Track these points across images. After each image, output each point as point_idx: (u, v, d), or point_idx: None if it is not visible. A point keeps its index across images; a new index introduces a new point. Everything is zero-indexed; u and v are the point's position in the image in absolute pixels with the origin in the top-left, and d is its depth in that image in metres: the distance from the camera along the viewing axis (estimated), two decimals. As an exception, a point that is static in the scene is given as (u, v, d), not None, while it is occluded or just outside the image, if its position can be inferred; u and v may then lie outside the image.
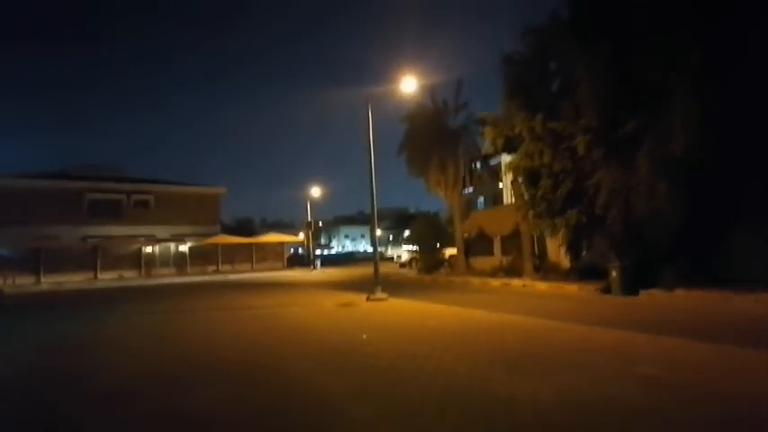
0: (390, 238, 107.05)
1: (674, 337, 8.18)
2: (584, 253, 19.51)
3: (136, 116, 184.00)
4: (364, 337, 9.27)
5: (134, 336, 11.38)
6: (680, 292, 14.37)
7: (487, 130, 18.74)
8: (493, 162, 28.60)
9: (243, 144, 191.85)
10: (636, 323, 9.87)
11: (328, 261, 58.42)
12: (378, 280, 16.45)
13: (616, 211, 15.45)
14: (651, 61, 12.87)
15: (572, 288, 17.57)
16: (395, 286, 19.97)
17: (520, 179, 18.54)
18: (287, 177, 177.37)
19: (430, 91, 27.93)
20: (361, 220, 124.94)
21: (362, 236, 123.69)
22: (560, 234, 17.32)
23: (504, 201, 36.26)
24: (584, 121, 14.53)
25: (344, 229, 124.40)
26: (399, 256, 44.98)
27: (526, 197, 19.44)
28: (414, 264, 37.90)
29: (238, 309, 15.58)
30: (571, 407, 4.97)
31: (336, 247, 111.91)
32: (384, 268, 40.57)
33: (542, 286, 19.11)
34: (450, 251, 32.29)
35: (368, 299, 15.70)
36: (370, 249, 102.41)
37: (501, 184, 36.33)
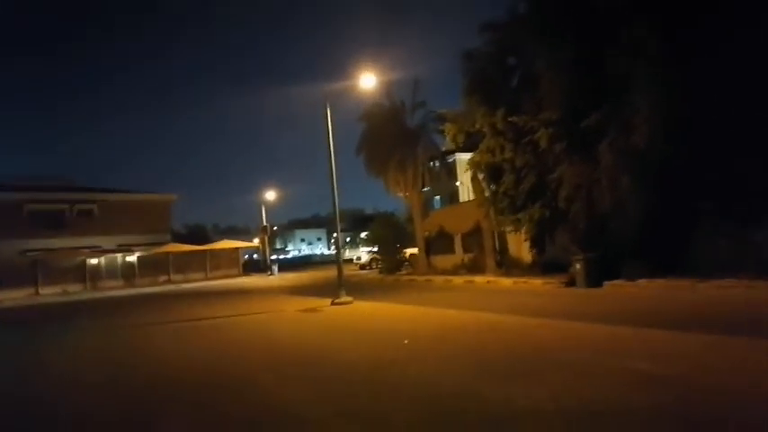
0: (348, 240, 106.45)
1: (653, 329, 8.04)
2: (547, 247, 19.60)
3: (84, 123, 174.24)
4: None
5: (71, 362, 10.46)
6: (642, 282, 14.53)
7: (448, 127, 18.52)
8: (450, 160, 28.55)
9: (194, 149, 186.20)
10: (607, 315, 9.77)
11: (286, 266, 57.18)
12: (342, 283, 15.91)
13: (579, 205, 15.48)
14: (615, 52, 12.88)
15: (536, 283, 17.54)
16: (357, 288, 19.47)
17: (481, 175, 18.43)
18: (239, 182, 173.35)
19: (387, 90, 27.55)
20: (316, 223, 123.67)
21: (319, 239, 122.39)
22: (524, 229, 17.26)
23: (461, 199, 36.36)
24: (546, 115, 14.47)
25: (300, 233, 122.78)
26: (359, 258, 44.37)
27: (487, 193, 19.36)
28: (374, 265, 37.47)
29: (196, 320, 14.72)
30: (574, 410, 4.64)
31: (293, 251, 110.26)
32: (344, 270, 39.89)
33: (507, 282, 19.03)
34: (410, 251, 32.05)
35: (332, 303, 15.14)
36: (327, 252, 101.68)
37: (458, 183, 36.44)
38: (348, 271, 37.33)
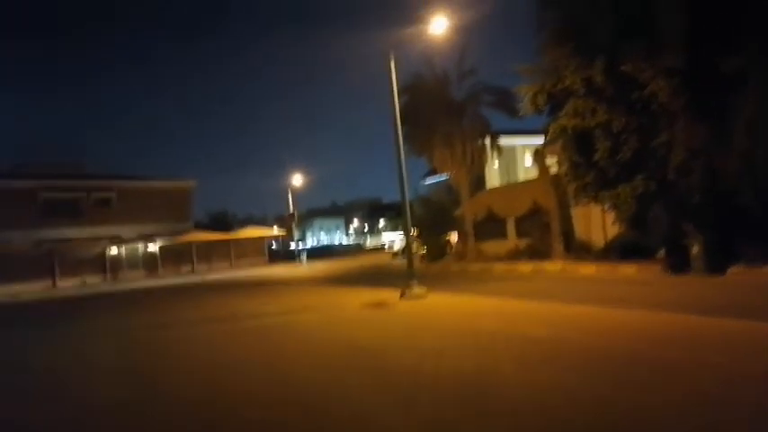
0: (366, 229, 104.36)
1: None
2: (623, 228, 16.88)
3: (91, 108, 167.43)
4: None
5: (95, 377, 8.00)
6: (776, 268, 11.85)
7: (524, 88, 15.66)
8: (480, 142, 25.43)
9: (207, 130, 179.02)
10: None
11: (310, 254, 54.85)
12: (412, 272, 13.25)
13: (696, 176, 12.70)
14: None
15: (627, 269, 14.85)
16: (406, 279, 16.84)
17: (561, 145, 15.65)
18: (250, 168, 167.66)
19: (429, 58, 24.65)
20: (334, 211, 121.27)
21: (337, 227, 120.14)
22: (621, 207, 14.44)
23: (488, 184, 33.22)
24: (668, 60, 11.60)
25: (319, 222, 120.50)
26: (391, 245, 41.83)
27: (565, 167, 16.57)
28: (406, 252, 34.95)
29: (237, 319, 12.22)
30: None
31: (312, 241, 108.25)
32: (375, 259, 37.43)
33: (588, 269, 16.33)
34: (452, 236, 29.41)
35: (402, 296, 12.55)
36: (346, 242, 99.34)
37: (496, 164, 33.38)
38: (380, 259, 34.89)
